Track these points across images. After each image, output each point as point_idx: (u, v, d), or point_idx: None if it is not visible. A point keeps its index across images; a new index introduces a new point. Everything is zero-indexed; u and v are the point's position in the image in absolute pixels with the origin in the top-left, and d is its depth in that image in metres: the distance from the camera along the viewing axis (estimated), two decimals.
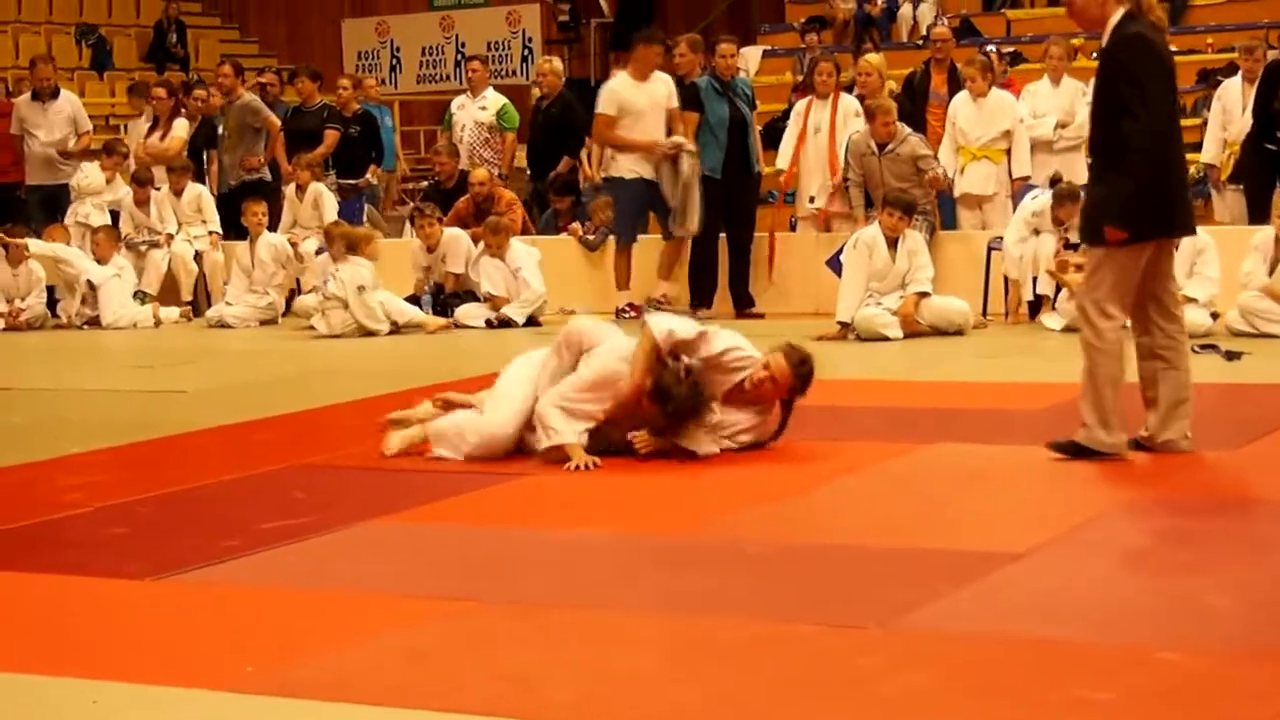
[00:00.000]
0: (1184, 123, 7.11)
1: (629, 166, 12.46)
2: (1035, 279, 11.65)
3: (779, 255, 13.14)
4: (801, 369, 7.08)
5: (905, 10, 19.72)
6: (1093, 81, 6.95)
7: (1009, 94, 13.05)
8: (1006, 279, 12.05)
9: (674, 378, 6.86)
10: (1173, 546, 5.47)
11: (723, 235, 12.83)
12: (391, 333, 12.58)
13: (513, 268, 12.90)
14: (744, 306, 12.90)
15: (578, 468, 6.80)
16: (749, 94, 13.19)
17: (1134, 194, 6.46)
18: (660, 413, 6.91)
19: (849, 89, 13.59)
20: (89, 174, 15.08)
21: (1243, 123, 12.89)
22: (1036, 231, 11.68)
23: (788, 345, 7.19)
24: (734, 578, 5.12)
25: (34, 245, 14.21)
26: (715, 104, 12.64)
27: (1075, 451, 6.60)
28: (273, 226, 14.11)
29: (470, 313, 12.96)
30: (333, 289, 12.52)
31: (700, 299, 12.70)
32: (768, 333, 8.38)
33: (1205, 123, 13.92)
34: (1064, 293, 11.22)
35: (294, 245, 13.96)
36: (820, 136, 12.99)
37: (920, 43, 18.09)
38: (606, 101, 12.50)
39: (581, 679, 4.18)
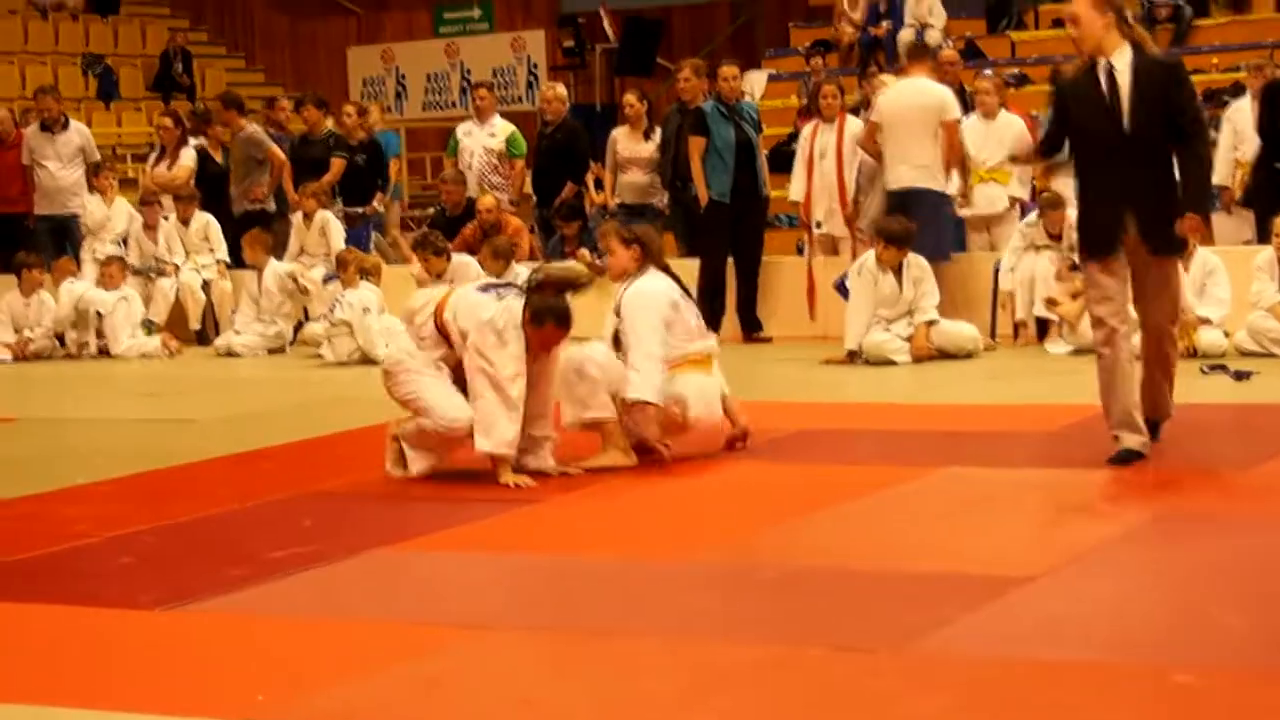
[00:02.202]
0: None
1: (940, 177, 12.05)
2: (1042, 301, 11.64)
3: (787, 279, 13.12)
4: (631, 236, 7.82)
5: (905, 34, 19.71)
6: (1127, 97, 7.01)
7: (1018, 117, 13.04)
8: (1009, 295, 12.01)
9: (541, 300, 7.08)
10: (1184, 568, 5.45)
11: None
12: None
13: None
14: (751, 330, 12.86)
15: (515, 486, 6.98)
16: (755, 117, 13.16)
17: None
18: (553, 328, 7.10)
19: (855, 111, 13.57)
20: (92, 208, 15.09)
21: (1254, 142, 12.86)
22: (1037, 248, 11.69)
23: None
24: (744, 601, 5.11)
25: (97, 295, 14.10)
26: (721, 128, 12.63)
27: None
28: (279, 255, 14.11)
29: None
30: (339, 314, 12.53)
31: (708, 323, 12.63)
32: (776, 356, 8.36)
33: (1213, 143, 13.89)
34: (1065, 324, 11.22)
35: (294, 279, 13.84)
36: (826, 161, 12.95)
37: None
38: (956, 104, 12.25)
39: (594, 704, 4.17)
